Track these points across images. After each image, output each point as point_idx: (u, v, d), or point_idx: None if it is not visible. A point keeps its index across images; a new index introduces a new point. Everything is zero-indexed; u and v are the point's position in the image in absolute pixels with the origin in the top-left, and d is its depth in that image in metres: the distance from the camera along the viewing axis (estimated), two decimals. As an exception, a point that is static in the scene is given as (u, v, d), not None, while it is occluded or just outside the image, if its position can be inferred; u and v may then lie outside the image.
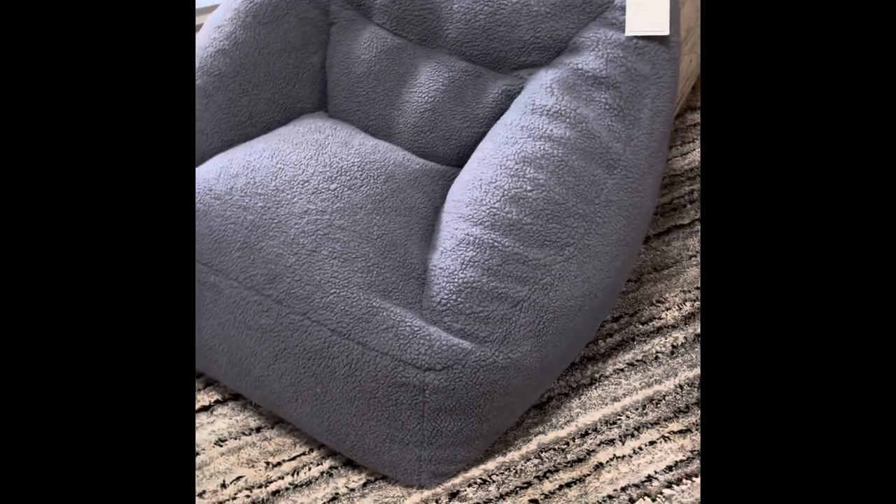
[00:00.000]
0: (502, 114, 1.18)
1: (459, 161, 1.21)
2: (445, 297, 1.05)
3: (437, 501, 1.10)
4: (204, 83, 1.21)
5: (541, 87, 1.13)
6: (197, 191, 1.12)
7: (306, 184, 1.11)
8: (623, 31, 1.12)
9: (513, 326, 1.04)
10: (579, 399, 1.23)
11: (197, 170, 1.16)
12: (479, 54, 1.20)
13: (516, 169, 1.08)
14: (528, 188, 1.07)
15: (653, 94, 1.13)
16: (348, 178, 1.12)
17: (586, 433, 1.19)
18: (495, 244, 1.05)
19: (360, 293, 1.04)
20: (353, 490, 1.12)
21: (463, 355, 1.02)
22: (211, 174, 1.14)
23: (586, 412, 1.22)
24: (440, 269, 1.06)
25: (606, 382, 1.25)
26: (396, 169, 1.16)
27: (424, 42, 1.24)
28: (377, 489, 1.12)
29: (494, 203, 1.07)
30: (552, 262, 1.06)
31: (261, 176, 1.12)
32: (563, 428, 1.20)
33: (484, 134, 1.19)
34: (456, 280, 1.05)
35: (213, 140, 1.22)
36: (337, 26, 1.30)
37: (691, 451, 1.17)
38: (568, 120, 1.10)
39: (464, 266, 1.05)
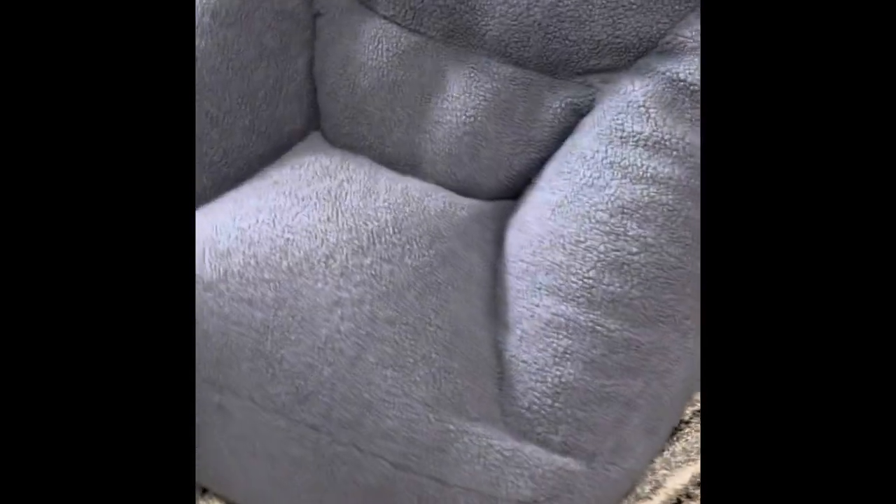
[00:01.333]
0: (567, 134, 0.91)
1: (510, 192, 0.94)
2: (537, 400, 0.80)
3: None
4: (155, 112, 0.89)
5: (629, 106, 0.86)
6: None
7: (330, 260, 0.82)
8: (738, 26, 0.86)
9: (625, 429, 0.82)
10: (662, 457, 1.03)
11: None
12: (532, 57, 0.91)
13: (613, 223, 0.82)
14: (633, 250, 0.81)
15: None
16: (384, 246, 0.84)
17: (679, 502, 1.00)
18: (597, 328, 0.80)
19: (427, 413, 0.78)
20: None
21: (572, 479, 0.79)
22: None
23: (673, 472, 1.02)
24: (523, 362, 0.81)
25: (688, 430, 1.05)
26: (440, 222, 0.88)
27: (451, 39, 0.94)
28: None
29: (588, 272, 0.81)
30: (670, 344, 0.82)
31: (264, 252, 0.83)
32: (650, 498, 1.00)
33: (543, 161, 0.92)
34: (549, 379, 0.80)
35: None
36: (326, 18, 0.98)
37: (802, 511, 0.99)
38: (675, 153, 0.84)
39: (558, 360, 0.80)
